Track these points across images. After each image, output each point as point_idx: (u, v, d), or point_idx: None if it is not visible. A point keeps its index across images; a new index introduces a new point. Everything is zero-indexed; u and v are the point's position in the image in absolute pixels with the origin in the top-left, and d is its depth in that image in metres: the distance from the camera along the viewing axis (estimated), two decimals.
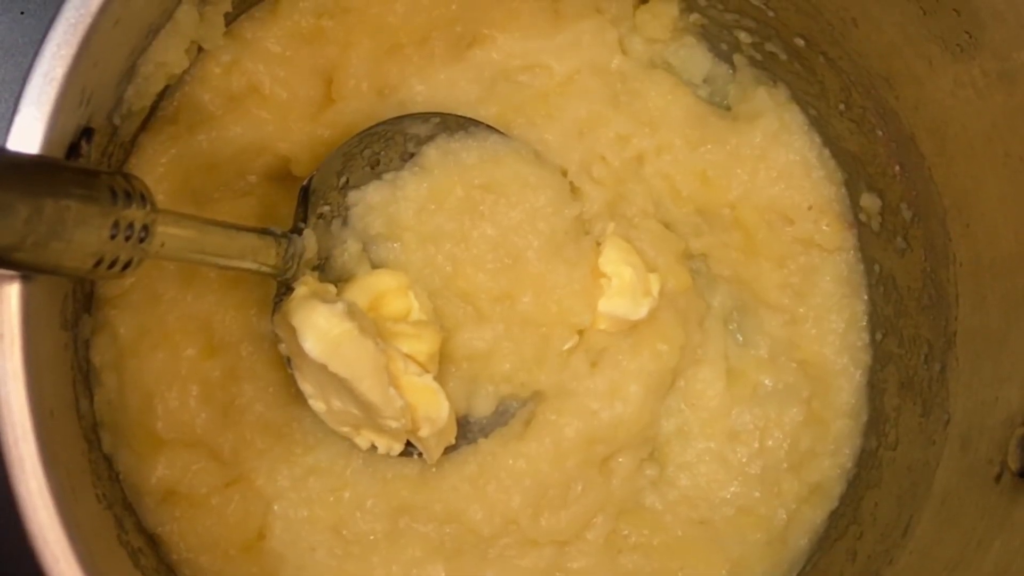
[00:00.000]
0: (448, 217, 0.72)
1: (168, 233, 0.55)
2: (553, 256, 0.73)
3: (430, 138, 0.72)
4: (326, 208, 0.71)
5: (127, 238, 0.51)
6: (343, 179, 0.71)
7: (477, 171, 0.73)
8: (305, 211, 0.70)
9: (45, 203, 0.46)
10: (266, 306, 0.71)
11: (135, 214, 0.52)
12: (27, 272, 0.50)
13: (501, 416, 0.73)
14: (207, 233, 0.60)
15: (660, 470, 0.77)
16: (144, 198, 0.53)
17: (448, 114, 0.73)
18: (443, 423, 0.69)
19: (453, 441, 0.71)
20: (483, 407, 0.73)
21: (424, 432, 0.68)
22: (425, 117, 0.73)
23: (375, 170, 0.72)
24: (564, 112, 0.77)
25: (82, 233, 0.48)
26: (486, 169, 0.73)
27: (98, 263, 0.50)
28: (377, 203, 0.71)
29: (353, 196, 0.71)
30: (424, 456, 0.70)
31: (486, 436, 0.73)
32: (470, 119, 0.74)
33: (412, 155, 0.72)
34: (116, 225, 0.50)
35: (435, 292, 0.72)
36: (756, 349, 0.79)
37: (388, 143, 0.72)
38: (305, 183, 0.71)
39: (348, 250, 0.71)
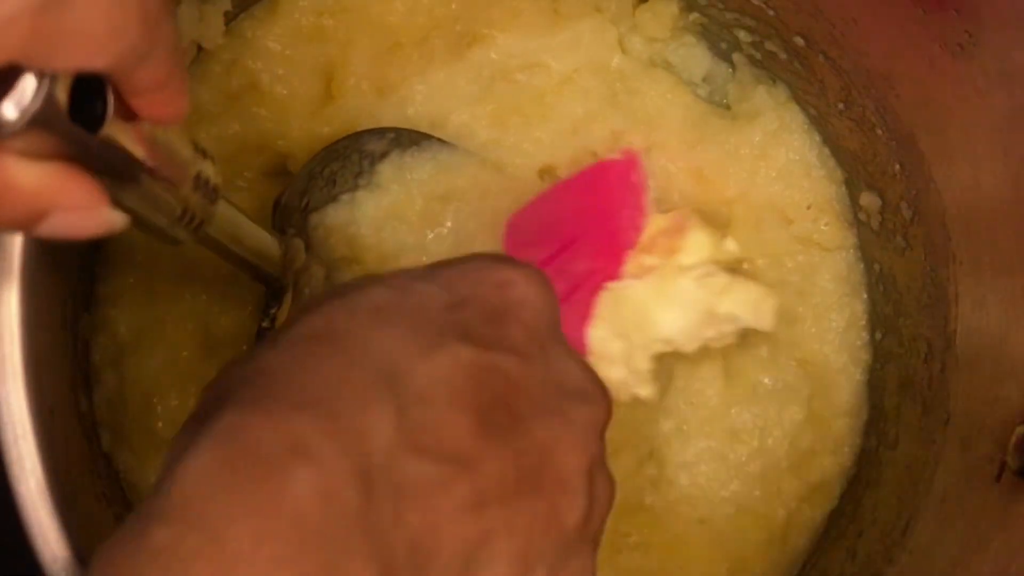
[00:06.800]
0: (409, 231, 0.71)
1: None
2: None
3: (384, 155, 0.72)
4: (291, 231, 0.70)
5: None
6: (304, 200, 0.71)
7: (433, 183, 0.72)
8: (282, 226, 0.70)
9: None
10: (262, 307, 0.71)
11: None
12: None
13: None
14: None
15: (660, 469, 0.77)
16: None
17: (403, 129, 0.73)
18: None
19: None
20: None
21: None
22: (381, 133, 0.72)
23: (332, 191, 0.71)
24: (561, 111, 0.77)
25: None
26: (442, 180, 0.73)
27: (183, 215, 0.51)
28: (337, 225, 0.71)
29: (314, 219, 0.71)
30: None
31: None
32: (423, 134, 0.73)
33: (366, 173, 0.72)
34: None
35: None
36: (755, 348, 0.79)
37: (345, 161, 0.71)
38: (277, 197, 0.70)
39: (314, 276, 0.70)
